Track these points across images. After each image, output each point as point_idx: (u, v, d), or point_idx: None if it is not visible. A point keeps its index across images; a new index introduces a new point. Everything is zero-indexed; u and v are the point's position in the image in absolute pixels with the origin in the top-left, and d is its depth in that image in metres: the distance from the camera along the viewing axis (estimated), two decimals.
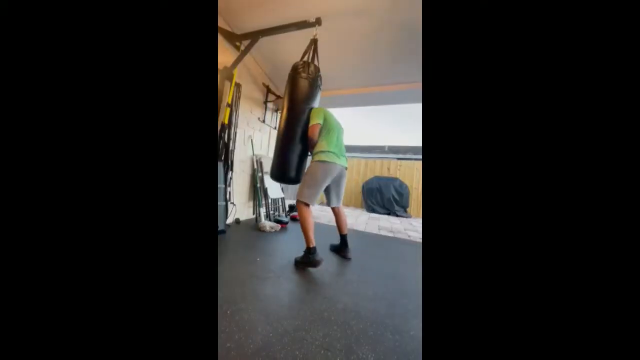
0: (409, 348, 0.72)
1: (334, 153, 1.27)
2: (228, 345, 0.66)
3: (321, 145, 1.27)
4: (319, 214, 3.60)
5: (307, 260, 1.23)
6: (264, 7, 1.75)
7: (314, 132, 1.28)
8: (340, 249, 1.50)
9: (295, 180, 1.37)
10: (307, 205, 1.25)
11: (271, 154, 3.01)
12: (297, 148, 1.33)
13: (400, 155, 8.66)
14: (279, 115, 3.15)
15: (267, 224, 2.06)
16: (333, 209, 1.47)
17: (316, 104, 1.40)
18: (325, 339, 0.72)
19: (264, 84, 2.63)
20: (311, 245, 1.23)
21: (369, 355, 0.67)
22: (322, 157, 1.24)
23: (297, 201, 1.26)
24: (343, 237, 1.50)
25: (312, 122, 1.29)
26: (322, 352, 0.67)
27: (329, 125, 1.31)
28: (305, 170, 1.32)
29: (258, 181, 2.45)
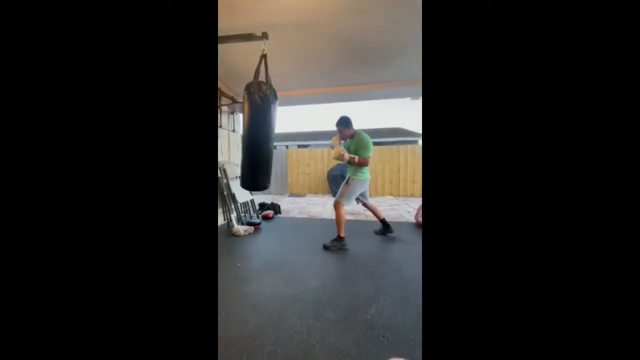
0: (358, 303, 1.08)
1: (367, 172, 1.85)
2: (229, 335, 0.89)
3: (362, 168, 1.82)
4: (290, 206, 3.82)
5: (337, 246, 1.77)
6: None
7: (367, 163, 1.79)
8: (385, 230, 2.11)
9: (262, 187, 1.62)
10: (343, 205, 1.82)
11: (233, 159, 3.01)
12: (262, 160, 1.53)
13: None
14: (235, 117, 3.08)
15: (241, 228, 2.20)
16: (365, 204, 2.10)
17: (274, 118, 1.54)
18: (301, 312, 1.02)
19: None
20: (342, 235, 1.79)
21: (331, 314, 1.00)
22: (361, 176, 1.83)
23: (336, 202, 1.83)
24: (383, 221, 2.12)
25: (368, 154, 1.78)
26: (299, 321, 0.96)
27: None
28: (347, 182, 1.85)
29: (224, 188, 2.49)
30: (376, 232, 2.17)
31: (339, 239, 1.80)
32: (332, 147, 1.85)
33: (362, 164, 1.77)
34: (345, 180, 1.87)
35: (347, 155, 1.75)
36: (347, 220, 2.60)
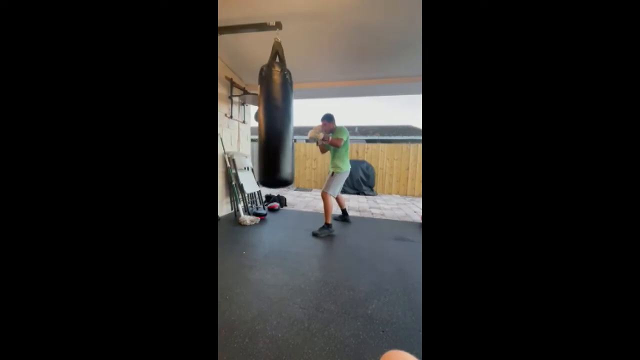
0: (359, 297, 1.08)
1: (346, 166, 2.11)
2: (233, 318, 0.92)
3: (344, 160, 2.09)
4: (296, 199, 3.86)
5: (327, 232, 1.98)
6: (220, 3, 1.69)
7: (339, 143, 2.01)
8: (344, 217, 2.51)
9: (287, 181, 1.40)
10: (330, 196, 2.03)
11: (242, 150, 3.05)
12: (285, 149, 1.35)
13: (369, 137, 9.20)
14: (246, 108, 3.10)
15: (247, 218, 2.25)
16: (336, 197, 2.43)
17: (290, 101, 1.45)
18: (302, 302, 1.04)
19: (226, 77, 2.55)
20: (329, 222, 2.00)
21: (332, 306, 1.01)
22: (343, 168, 2.10)
23: (325, 193, 2.05)
24: (344, 210, 2.53)
25: (341, 136, 2.01)
26: (300, 310, 0.98)
27: (347, 145, 2.10)
28: (332, 175, 2.09)
29: (233, 178, 2.54)
30: (338, 219, 2.54)
31: (327, 226, 1.98)
32: (313, 138, 2.09)
33: (334, 143, 1.99)
34: (330, 174, 2.13)
35: (321, 135, 2.00)
36: (354, 217, 2.65)
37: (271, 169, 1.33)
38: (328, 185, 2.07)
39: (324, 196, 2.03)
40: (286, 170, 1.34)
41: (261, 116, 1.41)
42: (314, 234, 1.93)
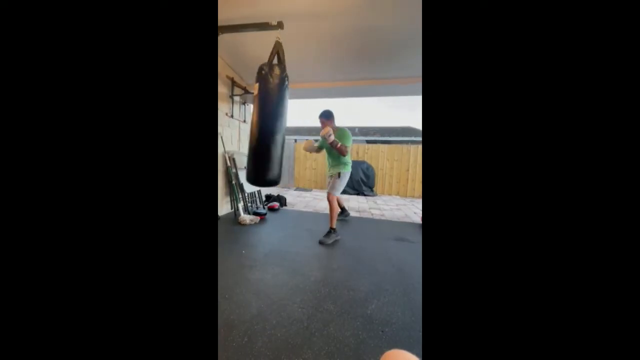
0: (359, 297, 1.08)
1: (349, 166, 2.00)
2: (232, 317, 0.92)
3: (347, 160, 1.95)
4: (296, 199, 3.86)
5: (334, 238, 1.83)
6: (222, 2, 1.69)
7: (346, 152, 1.86)
8: (342, 212, 2.55)
9: (275, 181, 1.40)
10: (335, 197, 1.94)
11: (243, 149, 3.05)
12: (275, 149, 1.36)
13: (369, 138, 9.21)
14: (246, 108, 3.11)
15: (247, 218, 2.25)
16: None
17: (285, 103, 1.46)
18: (302, 301, 1.04)
19: (227, 76, 2.55)
20: (334, 226, 1.87)
21: (332, 306, 1.01)
22: (347, 169, 1.96)
23: (330, 194, 1.93)
24: (342, 207, 2.58)
25: (347, 143, 1.85)
26: (300, 309, 0.98)
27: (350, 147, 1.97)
28: (338, 176, 1.94)
29: (233, 177, 2.53)
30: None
31: (332, 230, 1.84)
32: (321, 136, 1.89)
33: (342, 150, 1.83)
34: (337, 174, 1.97)
35: (333, 137, 1.77)
36: (353, 217, 2.65)
37: (259, 169, 1.35)
38: (333, 186, 1.93)
39: (330, 198, 1.89)
40: (274, 171, 1.35)
41: (255, 117, 1.39)
42: (321, 243, 1.76)
